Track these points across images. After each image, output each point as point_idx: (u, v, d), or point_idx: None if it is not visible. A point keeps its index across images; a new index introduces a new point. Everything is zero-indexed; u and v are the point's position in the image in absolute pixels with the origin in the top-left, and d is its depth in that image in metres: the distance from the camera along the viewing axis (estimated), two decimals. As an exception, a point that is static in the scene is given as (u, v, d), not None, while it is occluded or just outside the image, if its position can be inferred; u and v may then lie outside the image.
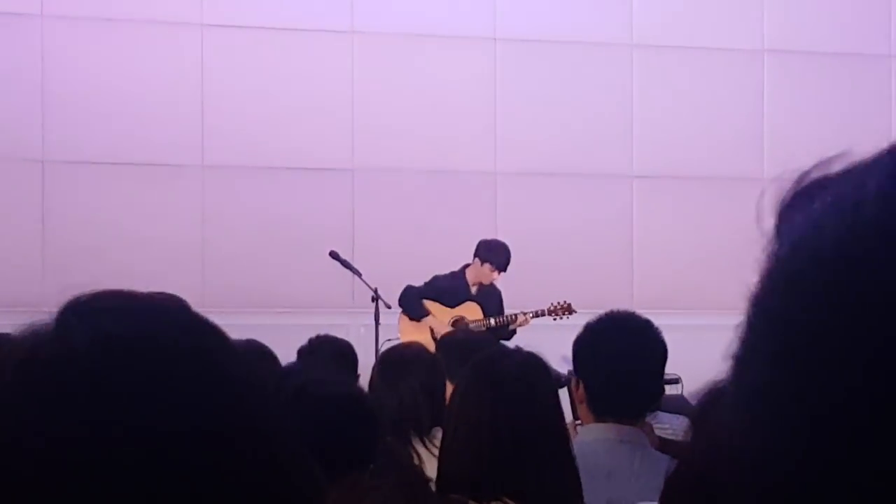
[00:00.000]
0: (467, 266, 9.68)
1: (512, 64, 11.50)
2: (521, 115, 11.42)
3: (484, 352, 3.55)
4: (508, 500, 2.98)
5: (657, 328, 3.78)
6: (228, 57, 11.00)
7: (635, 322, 3.80)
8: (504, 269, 9.54)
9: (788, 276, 0.64)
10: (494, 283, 9.67)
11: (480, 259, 9.57)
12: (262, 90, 10.98)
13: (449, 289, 9.65)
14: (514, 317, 9.54)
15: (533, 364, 3.16)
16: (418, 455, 4.38)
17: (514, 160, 11.35)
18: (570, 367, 3.97)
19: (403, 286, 9.64)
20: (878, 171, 0.64)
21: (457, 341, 5.92)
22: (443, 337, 7.23)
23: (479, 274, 9.60)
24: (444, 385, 4.79)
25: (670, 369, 3.90)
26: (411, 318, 9.63)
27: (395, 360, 4.74)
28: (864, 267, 0.61)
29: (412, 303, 9.61)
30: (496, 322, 9.53)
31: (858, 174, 0.65)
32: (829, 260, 0.62)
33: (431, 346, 7.64)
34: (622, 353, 3.66)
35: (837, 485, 0.60)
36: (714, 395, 1.67)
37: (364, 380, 4.90)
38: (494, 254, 9.54)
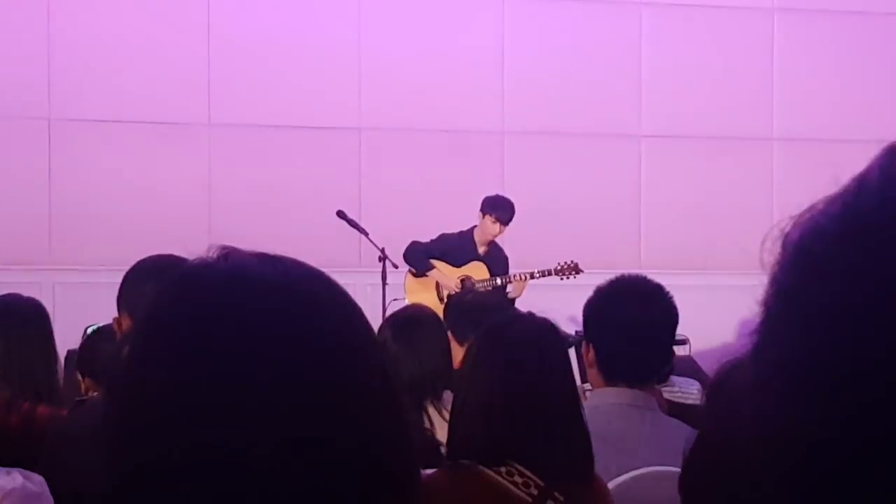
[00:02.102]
0: (475, 227, 9.66)
1: (520, 22, 11.44)
2: (528, 74, 11.37)
3: (497, 317, 3.53)
4: (518, 466, 2.97)
5: (668, 292, 3.76)
6: (234, 15, 10.95)
7: (647, 286, 3.79)
8: (506, 223, 9.51)
9: (797, 254, 0.66)
10: (497, 240, 9.66)
11: (483, 212, 9.56)
12: (268, 48, 10.93)
13: (456, 248, 9.63)
14: (516, 276, 9.52)
15: (546, 330, 3.15)
16: (430, 419, 4.37)
17: (521, 119, 11.32)
18: (578, 328, 3.96)
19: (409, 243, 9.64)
20: (880, 160, 0.66)
21: (467, 303, 5.89)
22: (452, 298, 7.22)
23: (483, 229, 9.58)
24: (450, 347, 4.80)
25: (678, 330, 3.88)
26: (416, 273, 9.62)
27: (409, 323, 4.69)
28: (869, 234, 0.62)
29: (418, 258, 9.60)
30: (502, 282, 9.52)
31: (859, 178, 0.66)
32: (836, 232, 0.64)
33: (437, 305, 7.67)
34: (633, 317, 3.64)
35: (863, 448, 0.61)
36: (728, 372, 1.66)
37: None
38: (497, 207, 9.52)
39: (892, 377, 0.60)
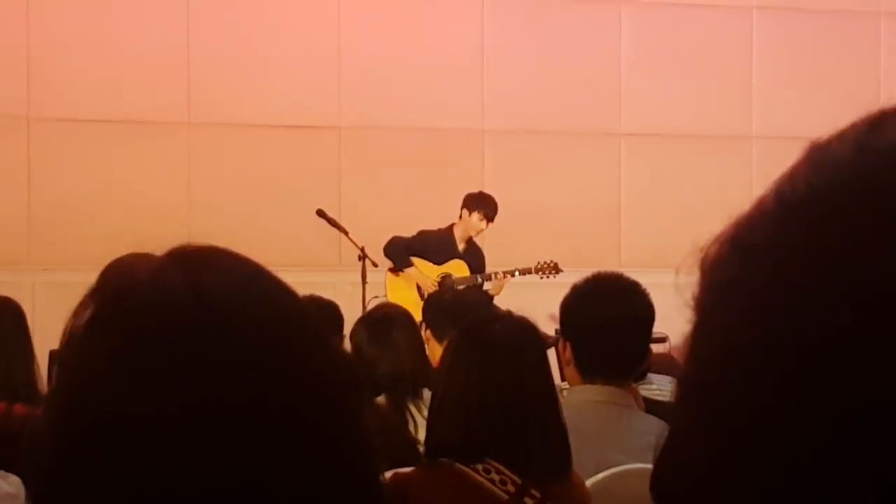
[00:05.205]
0: (454, 224, 9.68)
1: (499, 20, 11.45)
2: (508, 72, 11.38)
3: (474, 315, 3.54)
4: (495, 464, 2.98)
5: (644, 289, 3.77)
6: (215, 13, 10.93)
7: (622, 283, 3.80)
8: (492, 219, 9.55)
9: (732, 249, 0.68)
10: (476, 237, 9.69)
11: (469, 209, 9.58)
12: (248, 47, 10.92)
13: (436, 246, 9.66)
14: (497, 274, 9.55)
15: (523, 328, 3.15)
16: (413, 418, 4.38)
17: (501, 118, 11.32)
18: (557, 327, 3.97)
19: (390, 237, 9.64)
20: (804, 154, 0.68)
21: (445, 302, 5.91)
22: (431, 296, 7.21)
23: (467, 226, 9.60)
24: (424, 344, 4.82)
25: (658, 328, 3.90)
26: (395, 269, 9.62)
27: (383, 324, 4.70)
28: (800, 218, 0.65)
29: (398, 253, 9.60)
30: (481, 280, 9.55)
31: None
32: (770, 222, 0.66)
33: (418, 303, 7.67)
34: (609, 314, 3.65)
35: (810, 432, 0.62)
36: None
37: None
38: (483, 203, 9.57)
39: (841, 356, 0.61)
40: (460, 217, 9.66)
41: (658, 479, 0.75)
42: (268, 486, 1.06)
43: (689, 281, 0.70)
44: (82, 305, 1.15)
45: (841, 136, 0.67)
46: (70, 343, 1.14)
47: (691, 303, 0.69)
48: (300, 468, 1.08)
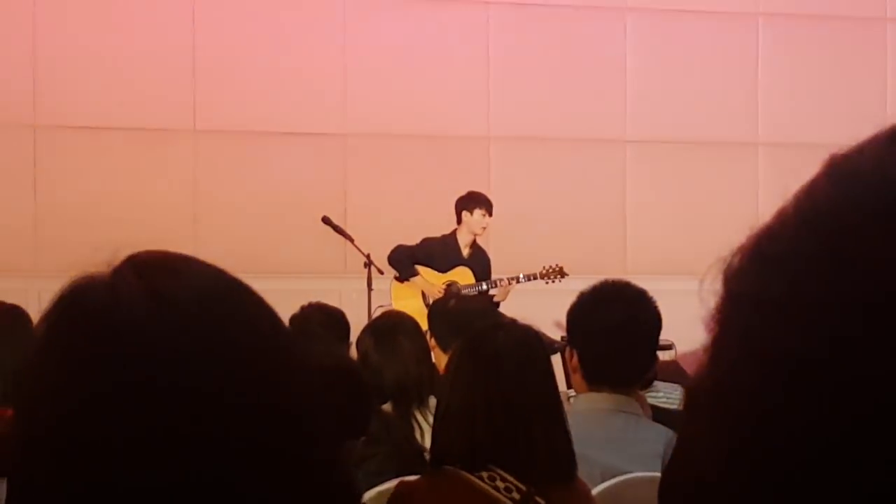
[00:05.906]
0: (456, 230, 9.65)
1: (505, 27, 11.45)
2: (514, 79, 11.38)
3: (479, 324, 3.54)
4: (500, 471, 2.98)
5: (651, 297, 3.77)
6: (220, 20, 10.94)
7: (629, 291, 3.80)
8: (491, 213, 9.54)
9: (752, 261, 0.68)
10: (482, 244, 9.67)
11: (468, 210, 9.55)
12: (253, 55, 10.92)
13: (440, 253, 9.63)
14: (502, 280, 9.53)
15: (527, 336, 3.16)
16: (419, 425, 4.38)
17: (507, 125, 11.32)
18: (563, 333, 3.97)
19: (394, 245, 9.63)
20: (823, 167, 0.68)
21: (449, 310, 5.89)
22: (435, 304, 7.20)
23: (470, 227, 9.56)
24: (430, 351, 4.82)
25: (664, 335, 3.90)
26: (400, 279, 9.61)
27: (389, 332, 4.71)
28: (822, 227, 0.65)
29: (402, 263, 9.59)
30: (487, 286, 9.53)
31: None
32: (791, 232, 0.66)
33: (423, 311, 7.66)
34: (616, 322, 3.65)
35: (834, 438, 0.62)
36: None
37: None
38: (478, 200, 9.57)
39: (858, 367, 0.61)
40: (459, 222, 9.63)
41: (667, 488, 0.74)
42: (225, 478, 1.07)
43: (712, 290, 0.70)
44: (48, 311, 1.17)
45: (861, 149, 0.67)
46: (33, 346, 1.16)
47: (713, 313, 0.69)
48: (259, 461, 1.08)
